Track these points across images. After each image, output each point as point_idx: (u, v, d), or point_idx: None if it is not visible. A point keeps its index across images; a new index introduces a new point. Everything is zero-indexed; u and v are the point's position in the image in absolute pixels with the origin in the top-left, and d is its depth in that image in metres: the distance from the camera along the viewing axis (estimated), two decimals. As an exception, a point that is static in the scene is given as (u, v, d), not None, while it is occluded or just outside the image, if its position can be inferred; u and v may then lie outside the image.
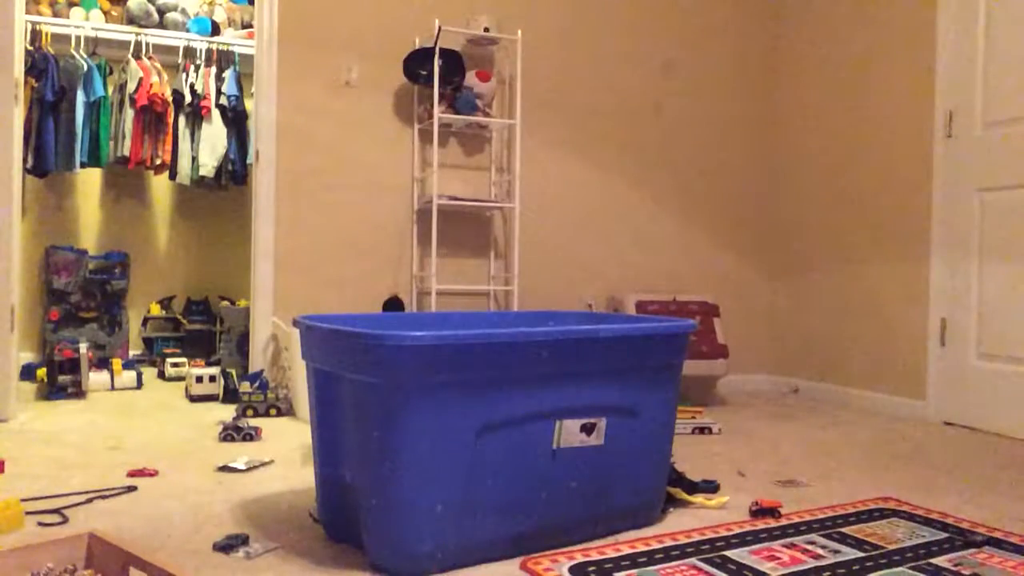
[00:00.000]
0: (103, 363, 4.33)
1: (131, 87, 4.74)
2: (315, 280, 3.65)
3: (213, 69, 4.96)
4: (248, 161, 4.98)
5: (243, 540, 1.76)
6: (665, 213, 4.24)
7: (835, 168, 4.04)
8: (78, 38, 4.74)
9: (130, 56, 4.81)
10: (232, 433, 2.83)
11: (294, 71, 3.61)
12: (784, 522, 1.99)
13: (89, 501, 2.07)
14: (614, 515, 1.87)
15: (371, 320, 2.12)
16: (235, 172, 4.98)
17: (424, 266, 3.81)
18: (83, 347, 3.76)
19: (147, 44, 4.89)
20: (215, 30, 5.05)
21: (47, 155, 4.56)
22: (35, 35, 4.65)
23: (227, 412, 3.42)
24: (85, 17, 4.78)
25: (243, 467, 2.42)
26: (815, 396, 4.12)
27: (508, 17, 3.93)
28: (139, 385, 4.04)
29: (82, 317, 4.79)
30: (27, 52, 4.32)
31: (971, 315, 3.35)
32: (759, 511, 2.05)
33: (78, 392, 3.72)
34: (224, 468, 2.43)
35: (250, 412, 3.26)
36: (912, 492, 2.32)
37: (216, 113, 4.93)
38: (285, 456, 2.62)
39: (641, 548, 1.78)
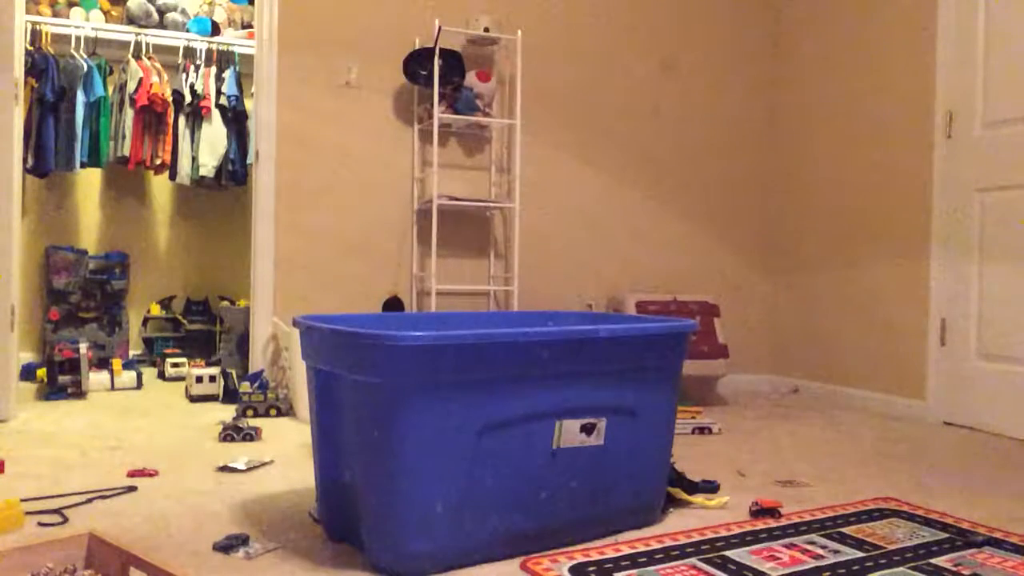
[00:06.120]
0: (103, 363, 4.33)
1: (131, 87, 4.74)
2: (315, 280, 3.65)
3: (213, 69, 4.96)
4: (248, 161, 4.98)
5: (243, 540, 1.76)
6: (665, 213, 4.24)
7: (835, 168, 4.04)
8: (78, 38, 4.74)
9: (130, 56, 4.81)
10: (232, 433, 2.83)
11: (294, 71, 3.61)
12: (784, 522, 1.99)
13: (89, 501, 2.07)
14: (614, 515, 1.87)
15: (371, 320, 2.12)
16: (235, 172, 4.98)
17: (424, 266, 3.81)
18: (83, 347, 3.76)
19: (147, 44, 4.89)
20: (215, 30, 5.05)
21: (47, 155, 4.56)
22: (35, 35, 4.65)
23: (227, 412, 3.42)
24: (85, 17, 4.78)
25: (243, 467, 2.42)
26: (815, 396, 4.12)
27: (508, 17, 3.93)
28: (139, 385, 4.04)
29: (82, 317, 4.79)
30: (27, 52, 4.32)
31: (971, 315, 3.35)
32: (759, 511, 2.05)
33: (78, 392, 3.72)
34: (224, 468, 2.43)
35: (250, 412, 3.26)
36: (912, 492, 2.32)
37: (216, 113, 4.93)
38: (285, 456, 2.62)
39: (641, 548, 1.78)
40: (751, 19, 4.42)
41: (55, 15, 4.74)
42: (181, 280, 5.31)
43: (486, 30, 3.67)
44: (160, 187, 5.26)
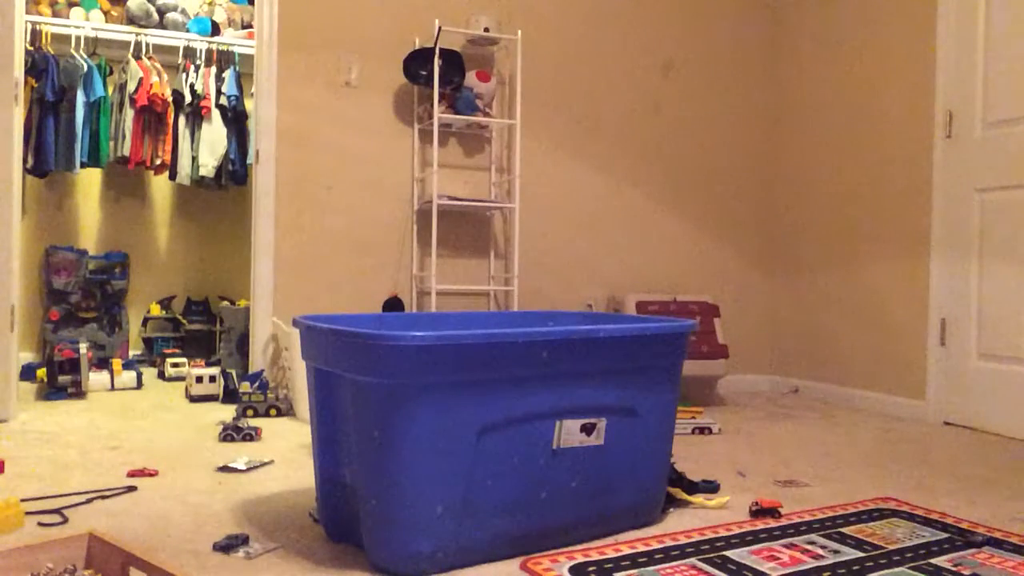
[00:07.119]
0: (103, 363, 4.33)
1: (131, 87, 4.74)
2: (315, 280, 3.65)
3: (213, 69, 4.96)
4: (248, 161, 4.98)
5: (243, 540, 1.76)
6: (665, 213, 4.24)
7: (835, 168, 4.04)
8: (78, 38, 4.74)
9: (130, 56, 4.81)
10: (232, 433, 2.83)
11: (294, 71, 3.61)
12: (784, 522, 1.99)
13: (89, 501, 2.07)
14: (614, 515, 1.87)
15: (371, 320, 2.12)
16: (235, 172, 4.98)
17: (424, 266, 3.81)
18: (83, 347, 3.76)
19: (147, 44, 4.89)
20: (215, 30, 5.05)
21: (47, 155, 4.56)
22: (35, 35, 4.65)
23: (227, 412, 3.42)
24: (85, 17, 4.78)
25: (243, 467, 2.42)
26: (815, 396, 4.12)
27: (508, 17, 3.93)
28: (139, 385, 4.04)
29: (82, 317, 4.79)
30: (27, 52, 4.32)
31: (971, 315, 3.35)
32: (759, 511, 2.05)
33: (78, 392, 3.72)
34: (224, 468, 2.43)
35: (250, 412, 3.26)
36: (912, 492, 2.32)
37: (216, 113, 4.93)
38: (285, 456, 2.62)
39: (641, 548, 1.78)
40: (751, 19, 4.42)
41: (55, 15, 4.74)
42: (181, 280, 5.31)
43: (486, 30, 3.67)
44: (160, 187, 5.26)
